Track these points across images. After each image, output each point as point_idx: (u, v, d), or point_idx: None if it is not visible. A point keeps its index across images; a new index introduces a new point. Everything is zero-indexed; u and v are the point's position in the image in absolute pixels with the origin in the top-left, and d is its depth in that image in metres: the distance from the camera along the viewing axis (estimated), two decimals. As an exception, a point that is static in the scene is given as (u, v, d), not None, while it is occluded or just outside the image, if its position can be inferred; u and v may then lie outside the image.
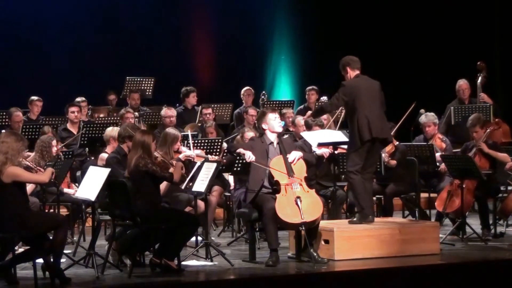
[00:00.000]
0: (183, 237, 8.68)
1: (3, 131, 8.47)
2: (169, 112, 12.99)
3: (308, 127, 11.17)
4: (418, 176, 11.12)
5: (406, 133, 11.93)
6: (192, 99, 14.43)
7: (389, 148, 10.74)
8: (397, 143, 11.07)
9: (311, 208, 8.89)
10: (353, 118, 9.43)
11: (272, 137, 9.24)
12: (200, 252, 9.39)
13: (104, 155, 10.11)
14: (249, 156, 8.97)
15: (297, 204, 8.81)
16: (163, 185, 9.06)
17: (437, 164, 11.25)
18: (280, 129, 9.28)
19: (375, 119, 9.36)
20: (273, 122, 9.21)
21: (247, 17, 17.72)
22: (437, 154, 11.33)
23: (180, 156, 9.51)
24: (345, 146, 10.98)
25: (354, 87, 9.44)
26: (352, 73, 9.59)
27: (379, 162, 10.56)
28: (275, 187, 9.02)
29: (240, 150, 9.10)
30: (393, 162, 10.80)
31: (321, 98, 14.49)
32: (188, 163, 9.94)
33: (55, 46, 16.21)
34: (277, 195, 8.93)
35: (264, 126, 9.26)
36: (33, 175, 8.18)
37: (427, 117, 11.77)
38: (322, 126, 11.25)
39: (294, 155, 9.13)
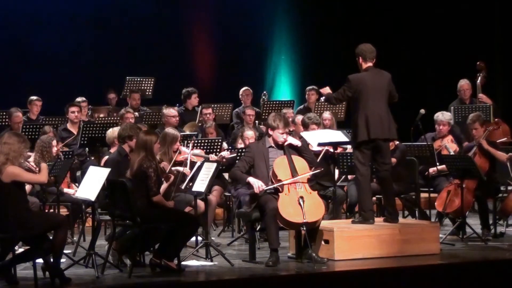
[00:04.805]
0: (183, 238, 8.68)
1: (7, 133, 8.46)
2: (173, 112, 12.95)
3: (305, 125, 11.17)
4: (418, 176, 11.12)
5: (406, 133, 11.91)
6: (194, 100, 14.45)
7: (389, 145, 10.73)
8: (397, 142, 11.07)
9: (313, 209, 8.90)
10: (354, 115, 9.40)
11: (273, 142, 9.25)
12: (200, 252, 9.39)
13: (106, 157, 10.10)
14: (258, 187, 8.93)
15: (299, 204, 8.82)
16: (164, 185, 9.06)
17: (437, 164, 11.26)
18: (281, 143, 9.21)
19: (376, 118, 9.31)
20: (279, 135, 9.18)
21: (247, 17, 17.73)
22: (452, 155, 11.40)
23: (173, 168, 9.54)
24: (345, 146, 11.03)
25: (359, 83, 9.34)
26: (364, 65, 9.46)
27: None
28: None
29: (249, 180, 9.00)
30: (393, 159, 10.77)
31: (321, 98, 14.46)
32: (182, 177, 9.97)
33: (55, 46, 16.20)
34: (280, 194, 8.93)
35: (270, 132, 9.25)
36: (32, 175, 8.18)
37: (443, 116, 11.82)
38: (319, 125, 11.25)
39: (288, 138, 9.18)
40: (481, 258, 9.35)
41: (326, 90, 9.77)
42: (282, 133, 9.16)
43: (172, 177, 9.18)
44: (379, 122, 9.34)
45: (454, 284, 8.72)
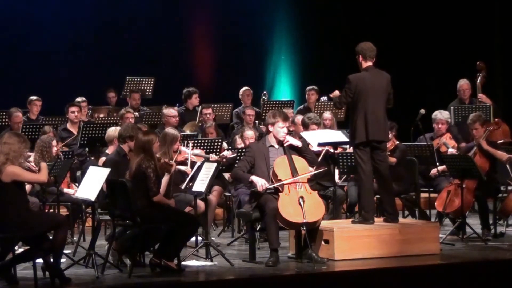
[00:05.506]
0: (183, 238, 8.68)
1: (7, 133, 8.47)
2: (173, 112, 12.97)
3: (305, 126, 11.18)
4: (418, 176, 11.12)
5: (406, 133, 11.93)
6: (194, 100, 14.45)
7: (389, 145, 10.72)
8: (397, 142, 11.08)
9: (313, 209, 8.90)
10: (353, 115, 9.40)
11: (273, 140, 9.25)
12: (200, 252, 9.39)
13: (103, 159, 10.07)
14: (261, 185, 8.93)
15: (300, 204, 8.81)
16: (163, 184, 9.04)
17: (437, 164, 11.27)
18: (282, 138, 9.24)
19: (374, 120, 9.31)
20: (280, 130, 9.18)
21: (247, 16, 17.72)
22: (450, 150, 11.39)
23: (173, 167, 9.53)
24: (345, 146, 11.04)
25: (359, 82, 9.33)
26: (364, 63, 9.45)
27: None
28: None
29: (253, 179, 9.00)
30: (393, 159, 10.78)
31: (321, 98, 14.50)
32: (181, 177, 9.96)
33: (55, 46, 16.21)
34: (280, 194, 8.93)
35: (270, 128, 9.25)
36: (32, 174, 8.18)
37: (442, 114, 11.86)
38: (319, 125, 11.26)
39: (289, 138, 9.18)
40: (481, 258, 9.35)
41: (336, 94, 9.77)
42: (282, 127, 9.15)
43: (174, 166, 9.11)
44: (376, 124, 9.34)
45: (454, 284, 8.71)
